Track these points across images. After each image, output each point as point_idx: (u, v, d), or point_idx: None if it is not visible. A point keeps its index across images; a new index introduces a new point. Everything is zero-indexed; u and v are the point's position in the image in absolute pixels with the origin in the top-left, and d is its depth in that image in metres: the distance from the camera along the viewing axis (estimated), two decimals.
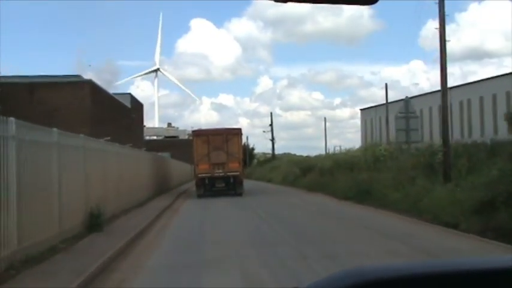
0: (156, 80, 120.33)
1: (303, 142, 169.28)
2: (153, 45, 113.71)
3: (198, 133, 34.81)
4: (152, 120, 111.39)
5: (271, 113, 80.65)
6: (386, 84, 46.45)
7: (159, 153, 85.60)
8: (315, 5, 1.36)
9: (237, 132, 33.48)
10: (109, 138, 22.37)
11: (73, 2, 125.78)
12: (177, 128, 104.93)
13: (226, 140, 31.48)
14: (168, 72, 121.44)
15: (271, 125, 78.20)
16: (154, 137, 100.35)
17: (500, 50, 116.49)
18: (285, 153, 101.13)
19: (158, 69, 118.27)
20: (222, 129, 34.27)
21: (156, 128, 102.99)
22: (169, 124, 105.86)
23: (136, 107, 54.92)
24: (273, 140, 78.17)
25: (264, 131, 79.65)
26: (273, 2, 1.29)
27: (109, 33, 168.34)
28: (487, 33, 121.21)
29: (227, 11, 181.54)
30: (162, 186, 39.92)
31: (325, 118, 66.65)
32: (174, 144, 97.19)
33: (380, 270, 1.31)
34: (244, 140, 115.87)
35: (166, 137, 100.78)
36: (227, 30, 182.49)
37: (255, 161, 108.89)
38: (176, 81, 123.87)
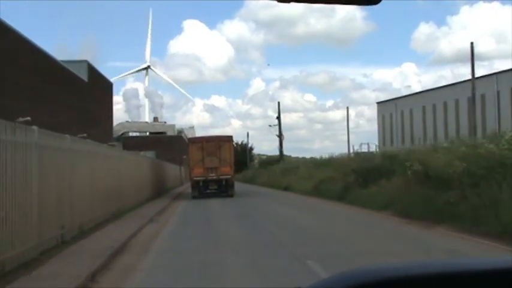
0: (146, 78, 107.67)
1: (296, 144, 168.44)
2: (145, 46, 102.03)
3: (193, 140, 37.53)
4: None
5: (278, 103, 63.74)
6: (472, 45, 29.12)
7: (142, 153, 67.78)
8: (312, 5, 1.33)
9: (229, 139, 35.55)
10: (29, 118, 12.06)
11: (64, 2, 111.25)
12: (165, 122, 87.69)
13: (219, 146, 33.06)
14: (158, 70, 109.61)
15: (278, 117, 61.26)
16: (137, 134, 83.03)
17: (490, 53, 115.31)
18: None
19: (149, 66, 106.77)
20: (214, 137, 35.94)
21: (139, 122, 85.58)
22: (155, 118, 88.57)
23: (100, 83, 37.51)
24: (280, 135, 61.23)
25: (270, 125, 62.77)
26: (276, 2, 1.28)
27: (100, 34, 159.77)
28: (478, 35, 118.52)
29: (220, 12, 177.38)
30: (138, 196, 26.47)
31: (347, 108, 50.53)
32: (161, 142, 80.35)
33: (381, 270, 1.26)
34: (243, 138, 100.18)
35: (151, 133, 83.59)
36: (220, 32, 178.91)
37: (254, 162, 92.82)
38: (167, 79, 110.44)
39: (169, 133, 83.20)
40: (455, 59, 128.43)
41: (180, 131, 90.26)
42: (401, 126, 79.05)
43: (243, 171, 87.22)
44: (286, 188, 37.57)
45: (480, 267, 1.32)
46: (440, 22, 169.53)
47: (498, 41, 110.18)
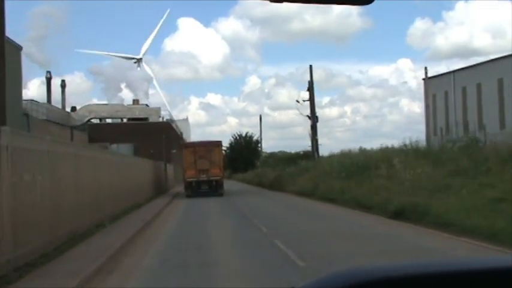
0: (138, 70, 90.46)
1: (292, 142, 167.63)
2: (139, 41, 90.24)
3: (186, 145, 41.72)
4: None
5: (310, 67, 41.18)
6: None
7: (113, 146, 49.48)
8: (308, 4, 1.36)
9: (218, 144, 37.67)
10: None
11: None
12: (146, 105, 65.46)
13: (209, 150, 35.17)
14: (149, 68, 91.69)
15: (310, 88, 39.63)
16: (109, 120, 61.03)
17: (486, 48, 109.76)
18: (280, 151, 74.54)
19: (141, 59, 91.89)
20: (206, 142, 38.24)
21: (111, 105, 63.17)
22: (135, 101, 66.37)
23: None
24: (314, 117, 39.60)
25: (297, 101, 40.74)
26: (268, 1, 1.28)
27: (94, 29, 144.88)
28: (475, 31, 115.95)
29: (214, 9, 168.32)
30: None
31: (425, 79, 29.92)
32: (141, 131, 58.58)
33: (375, 269, 1.25)
34: (248, 130, 79.79)
35: (130, 119, 61.66)
36: (215, 30, 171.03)
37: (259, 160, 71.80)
38: (154, 81, 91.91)
39: (153, 119, 61.23)
40: (452, 55, 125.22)
41: (172, 121, 68.69)
42: (463, 107, 57.50)
43: (249, 171, 66.05)
44: (399, 214, 15.52)
45: (480, 267, 1.27)
46: (436, 18, 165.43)
47: (494, 36, 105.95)
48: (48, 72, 59.64)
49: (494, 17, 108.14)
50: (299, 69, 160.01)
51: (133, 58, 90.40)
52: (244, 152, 76.19)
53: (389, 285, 1.19)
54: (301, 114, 41.48)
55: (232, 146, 79.92)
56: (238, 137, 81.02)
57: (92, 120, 60.38)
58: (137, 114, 61.02)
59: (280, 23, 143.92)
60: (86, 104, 61.46)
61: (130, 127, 58.35)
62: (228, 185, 55.01)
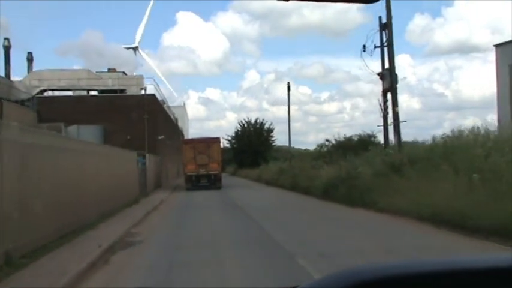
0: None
1: (291, 137, 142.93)
2: (137, 27, 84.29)
3: (186, 141, 43.10)
4: None
5: (388, 2, 24.05)
6: None
7: (71, 128, 36.02)
8: (314, 3, 1.34)
9: (217, 140, 39.92)
10: None
11: None
12: (122, 73, 47.91)
13: (208, 146, 37.16)
14: (147, 55, 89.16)
15: (387, 26, 22.72)
16: (70, 93, 43.89)
17: (486, 44, 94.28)
18: (284, 146, 62.73)
19: (137, 47, 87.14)
20: (205, 138, 39.76)
21: (72, 71, 45.56)
22: (111, 69, 48.88)
23: None
24: (393, 74, 22.67)
25: (363, 48, 23.62)
26: (275, 0, 1.22)
27: (93, 17, 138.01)
28: (474, 27, 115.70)
29: (213, 3, 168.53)
30: None
31: (497, 45, 14.46)
32: (115, 108, 41.68)
33: (379, 268, 1.26)
34: (258, 118, 68.07)
35: (103, 91, 44.49)
36: (214, 24, 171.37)
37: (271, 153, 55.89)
38: (153, 67, 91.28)
39: (131, 91, 43.89)
40: (451, 50, 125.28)
41: (164, 102, 52.26)
42: None
43: (262, 165, 49.73)
44: None
45: (479, 266, 1.28)
46: (436, 14, 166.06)
47: (493, 33, 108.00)
48: (7, 39, 43.20)
49: (494, 13, 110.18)
50: (297, 64, 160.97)
51: (130, 48, 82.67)
52: (252, 143, 59.59)
53: (395, 283, 1.17)
54: (370, 71, 24.76)
55: (238, 136, 62.95)
56: (246, 124, 63.86)
57: (47, 93, 43.11)
58: (110, 85, 43.66)
59: (279, 18, 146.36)
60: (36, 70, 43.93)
61: (99, 102, 41.18)
62: (238, 185, 40.15)
